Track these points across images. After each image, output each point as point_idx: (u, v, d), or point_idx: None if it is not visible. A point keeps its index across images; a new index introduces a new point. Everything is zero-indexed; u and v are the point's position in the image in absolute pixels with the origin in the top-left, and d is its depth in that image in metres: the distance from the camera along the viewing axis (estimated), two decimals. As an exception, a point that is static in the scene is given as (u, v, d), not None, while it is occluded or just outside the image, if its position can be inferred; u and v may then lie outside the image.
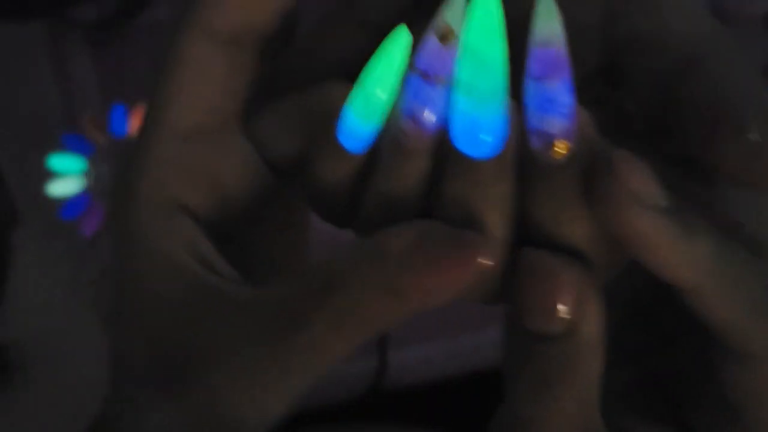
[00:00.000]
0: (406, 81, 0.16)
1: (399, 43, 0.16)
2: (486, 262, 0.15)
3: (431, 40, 0.15)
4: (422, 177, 0.17)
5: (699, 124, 0.16)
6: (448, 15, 0.15)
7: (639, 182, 0.15)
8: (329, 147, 0.17)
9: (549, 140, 0.15)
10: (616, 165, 0.15)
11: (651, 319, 0.22)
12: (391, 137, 0.17)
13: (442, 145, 0.16)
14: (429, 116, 0.16)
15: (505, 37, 0.15)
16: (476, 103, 0.15)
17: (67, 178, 0.49)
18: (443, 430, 0.48)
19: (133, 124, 0.50)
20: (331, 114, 0.18)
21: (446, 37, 0.15)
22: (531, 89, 0.15)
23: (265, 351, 0.17)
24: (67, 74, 0.52)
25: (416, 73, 0.15)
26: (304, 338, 0.16)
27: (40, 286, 0.50)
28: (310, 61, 0.21)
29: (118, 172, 0.20)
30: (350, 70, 0.20)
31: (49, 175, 0.49)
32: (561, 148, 0.15)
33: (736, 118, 0.15)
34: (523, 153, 0.16)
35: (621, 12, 0.19)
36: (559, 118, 0.15)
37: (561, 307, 0.16)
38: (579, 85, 0.20)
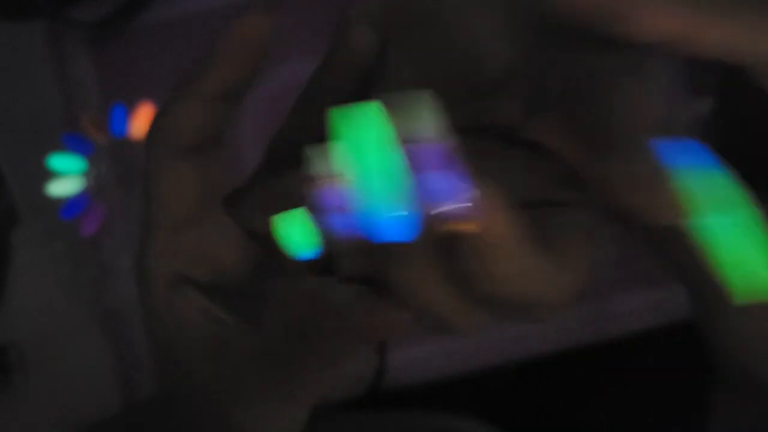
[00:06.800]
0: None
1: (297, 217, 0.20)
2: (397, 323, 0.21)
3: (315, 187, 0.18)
4: (366, 261, 0.20)
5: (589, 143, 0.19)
6: (318, 166, 0.18)
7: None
8: (284, 254, 0.22)
9: (448, 218, 0.18)
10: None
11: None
12: (328, 242, 0.20)
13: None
14: (346, 231, 0.19)
15: (395, 151, 0.17)
16: (381, 211, 0.18)
17: (67, 178, 0.49)
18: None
19: (133, 124, 0.50)
20: (292, 202, 0.23)
21: (322, 182, 0.18)
22: (420, 179, 0.17)
23: (267, 387, 0.24)
24: (67, 74, 0.52)
25: (322, 209, 0.19)
26: (296, 380, 0.23)
27: (40, 286, 0.50)
28: (288, 147, 0.25)
29: (136, 256, 0.25)
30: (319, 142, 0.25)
31: (49, 175, 0.49)
32: (459, 223, 0.18)
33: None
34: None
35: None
36: (450, 201, 0.17)
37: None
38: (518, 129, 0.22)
